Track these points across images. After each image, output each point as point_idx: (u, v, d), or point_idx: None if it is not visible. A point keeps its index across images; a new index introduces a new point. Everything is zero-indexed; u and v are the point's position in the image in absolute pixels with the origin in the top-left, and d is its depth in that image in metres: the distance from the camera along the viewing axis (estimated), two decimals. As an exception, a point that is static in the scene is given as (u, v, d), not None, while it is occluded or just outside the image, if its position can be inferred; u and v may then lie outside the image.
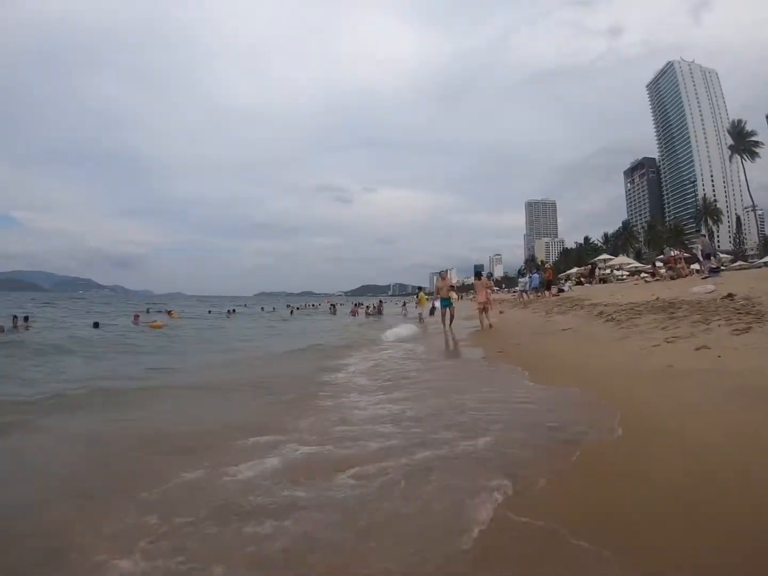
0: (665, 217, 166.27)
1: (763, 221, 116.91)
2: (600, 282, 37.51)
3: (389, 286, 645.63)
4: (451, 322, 16.95)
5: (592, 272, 43.06)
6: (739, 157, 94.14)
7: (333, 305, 52.29)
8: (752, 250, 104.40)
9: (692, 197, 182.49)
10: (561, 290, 30.83)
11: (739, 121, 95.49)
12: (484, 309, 17.37)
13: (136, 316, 26.22)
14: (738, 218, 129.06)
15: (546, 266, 35.46)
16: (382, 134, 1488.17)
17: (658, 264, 32.35)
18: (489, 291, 18.86)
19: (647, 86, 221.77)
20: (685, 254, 31.76)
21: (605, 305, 15.69)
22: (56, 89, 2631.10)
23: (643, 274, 42.19)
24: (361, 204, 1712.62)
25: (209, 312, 43.18)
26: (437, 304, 18.48)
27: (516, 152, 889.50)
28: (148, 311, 37.45)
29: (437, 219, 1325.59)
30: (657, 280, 25.21)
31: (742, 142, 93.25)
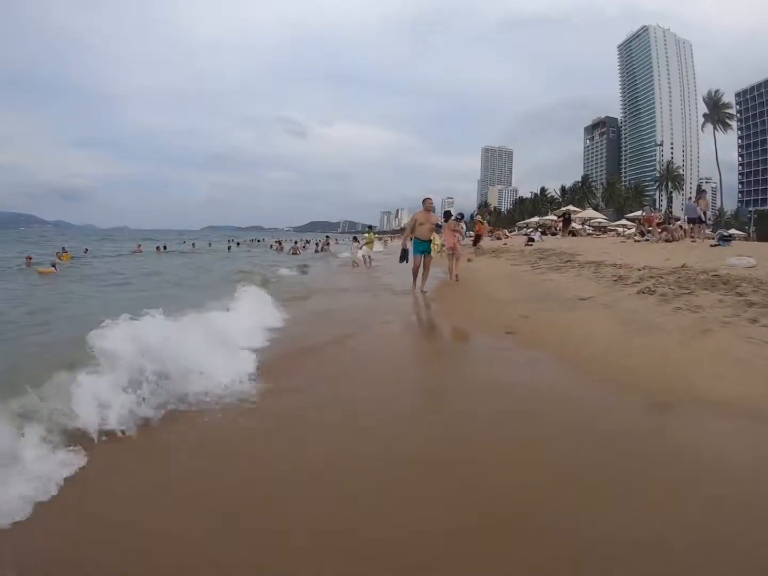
0: (622, 177, 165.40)
1: (715, 194, 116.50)
2: (569, 235, 34.12)
3: (339, 223, 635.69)
4: (424, 280, 11.57)
5: (566, 223, 37.56)
6: (711, 127, 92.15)
7: (279, 242, 46.43)
8: (709, 220, 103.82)
9: (651, 161, 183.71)
10: (531, 240, 27.49)
11: (716, 91, 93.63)
12: (453, 254, 14.69)
13: (29, 258, 23.50)
14: (699, 187, 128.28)
15: (477, 219, 30.90)
16: (343, 69, 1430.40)
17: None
18: (458, 236, 15.66)
19: (619, 47, 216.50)
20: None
21: (613, 266, 12.43)
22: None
23: (626, 231, 39.56)
24: (317, 138, 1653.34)
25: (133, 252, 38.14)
26: (409, 247, 11.51)
27: (479, 98, 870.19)
28: (64, 249, 32.32)
29: (393, 158, 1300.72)
30: (646, 240, 22.05)
31: (717, 112, 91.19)
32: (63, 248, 32.83)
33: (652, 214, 27.67)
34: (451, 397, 4.71)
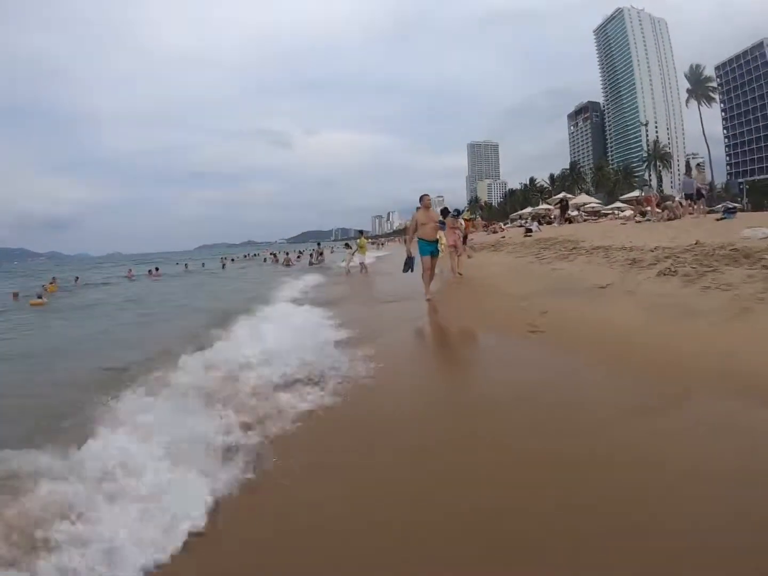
0: (609, 161, 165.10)
1: (704, 169, 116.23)
2: (566, 222, 33.41)
3: (332, 231, 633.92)
4: (429, 281, 10.36)
5: (564, 210, 36.22)
6: (696, 102, 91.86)
7: (274, 254, 46.57)
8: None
9: (636, 142, 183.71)
10: (529, 231, 26.91)
11: (698, 65, 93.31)
12: (454, 252, 14.64)
13: (15, 294, 22.19)
14: (687, 163, 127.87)
15: (462, 218, 29.59)
16: (322, 74, 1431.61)
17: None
18: (458, 232, 15.25)
19: (594, 31, 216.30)
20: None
21: (623, 249, 11.81)
22: None
23: (621, 214, 39.10)
24: (302, 147, 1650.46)
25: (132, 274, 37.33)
26: (414, 252, 10.66)
27: (460, 94, 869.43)
28: (54, 279, 31.57)
29: (379, 160, 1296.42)
30: (647, 220, 21.54)
31: (700, 87, 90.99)
32: (53, 278, 32.25)
33: (651, 194, 27.17)
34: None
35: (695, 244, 10.34)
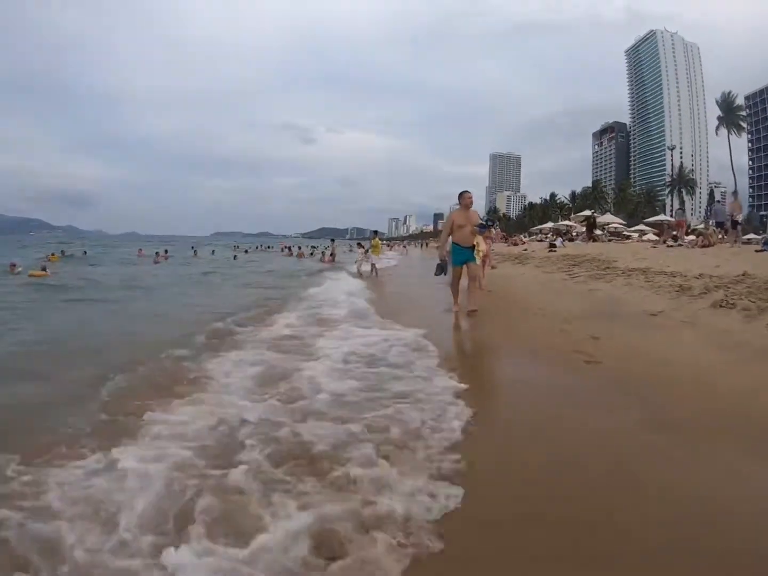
0: (632, 182, 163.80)
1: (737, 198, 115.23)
2: (591, 240, 32.68)
3: (347, 229, 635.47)
4: (472, 295, 8.74)
5: (591, 227, 34.89)
6: (726, 130, 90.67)
7: (289, 247, 46.34)
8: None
9: (660, 166, 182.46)
10: (553, 245, 26.28)
11: (730, 93, 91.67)
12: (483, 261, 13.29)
13: (12, 266, 20.85)
14: (711, 191, 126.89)
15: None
16: (350, 73, 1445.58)
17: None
18: (490, 242, 14.58)
19: (626, 51, 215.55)
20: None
21: (663, 273, 11.08)
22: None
23: (650, 236, 38.44)
24: (325, 144, 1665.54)
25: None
26: (447, 257, 9.10)
27: (484, 103, 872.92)
28: (63, 253, 31.95)
29: (399, 163, 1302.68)
30: (679, 245, 20.93)
31: (731, 115, 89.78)
32: (62, 251, 31.98)
33: (683, 218, 26.59)
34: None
35: (743, 275, 9.66)
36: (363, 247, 22.92)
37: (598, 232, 40.18)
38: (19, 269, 19.77)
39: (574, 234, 38.52)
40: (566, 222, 53.57)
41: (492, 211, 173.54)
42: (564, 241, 30.82)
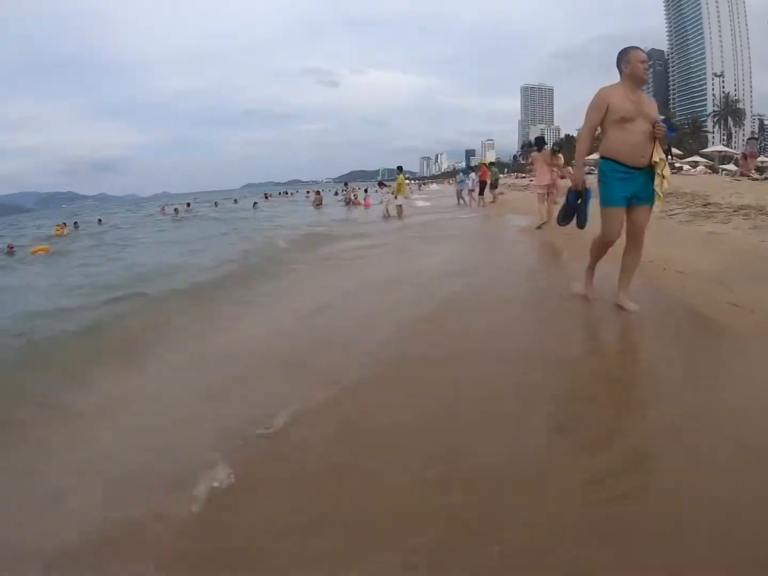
0: (672, 112, 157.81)
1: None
2: None
3: (378, 171, 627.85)
4: (627, 276, 4.73)
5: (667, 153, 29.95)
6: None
7: (318, 192, 37.64)
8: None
9: (701, 95, 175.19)
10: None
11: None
12: (547, 195, 12.04)
13: (10, 246, 19.48)
14: (761, 122, 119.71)
15: (482, 162, 25.77)
16: (371, 12, 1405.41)
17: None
18: (557, 171, 12.28)
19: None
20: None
21: None
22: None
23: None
24: (350, 87, 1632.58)
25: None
26: (588, 184, 4.88)
27: (512, 33, 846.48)
28: (75, 225, 30.12)
29: (428, 101, 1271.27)
30: (765, 178, 18.66)
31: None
32: (75, 222, 30.55)
33: (755, 149, 23.85)
34: None
35: None
36: (385, 186, 22.23)
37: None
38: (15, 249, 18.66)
39: None
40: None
41: (526, 145, 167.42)
42: None
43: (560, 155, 12.63)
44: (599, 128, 4.45)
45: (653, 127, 4.22)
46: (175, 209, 32.75)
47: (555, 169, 12.18)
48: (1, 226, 51.13)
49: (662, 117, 4.53)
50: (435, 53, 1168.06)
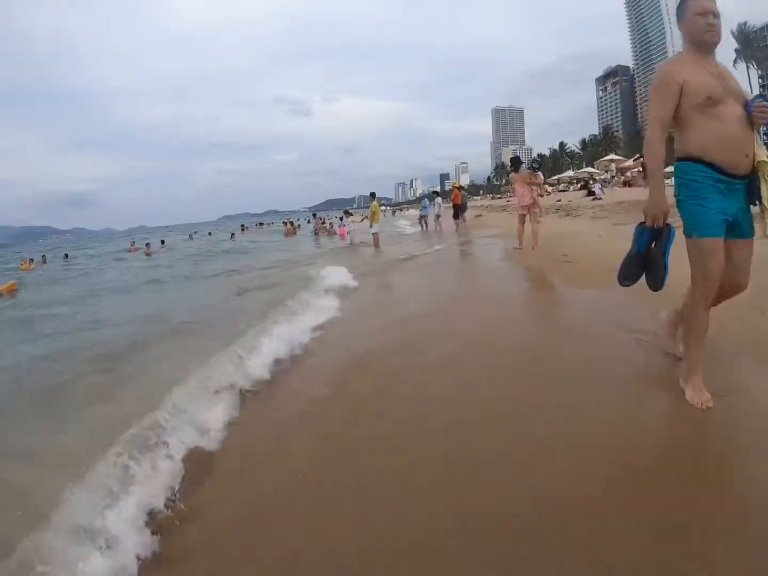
0: (637, 127, 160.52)
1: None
2: (625, 185, 30.19)
3: (354, 198, 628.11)
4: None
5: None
6: (744, 63, 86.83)
7: (291, 222, 37.19)
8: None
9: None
10: (591, 192, 24.24)
11: (746, 23, 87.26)
12: (530, 214, 11.31)
13: None
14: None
15: (453, 185, 24.62)
16: (341, 41, 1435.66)
17: None
18: (537, 190, 11.81)
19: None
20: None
21: None
22: None
23: None
24: (322, 116, 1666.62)
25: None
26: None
27: (481, 56, 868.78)
28: (44, 258, 29.86)
29: (401, 127, 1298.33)
30: None
31: (749, 47, 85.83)
32: (43, 256, 30.31)
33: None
34: None
35: None
36: (350, 215, 21.83)
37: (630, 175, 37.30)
38: None
39: (627, 176, 34.86)
40: (588, 169, 51.23)
41: (499, 167, 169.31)
42: (602, 187, 28.18)
43: (539, 173, 12.16)
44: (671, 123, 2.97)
45: (746, 109, 2.83)
46: (147, 244, 31.06)
47: (535, 187, 11.65)
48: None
49: (757, 94, 3.22)
50: (406, 79, 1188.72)
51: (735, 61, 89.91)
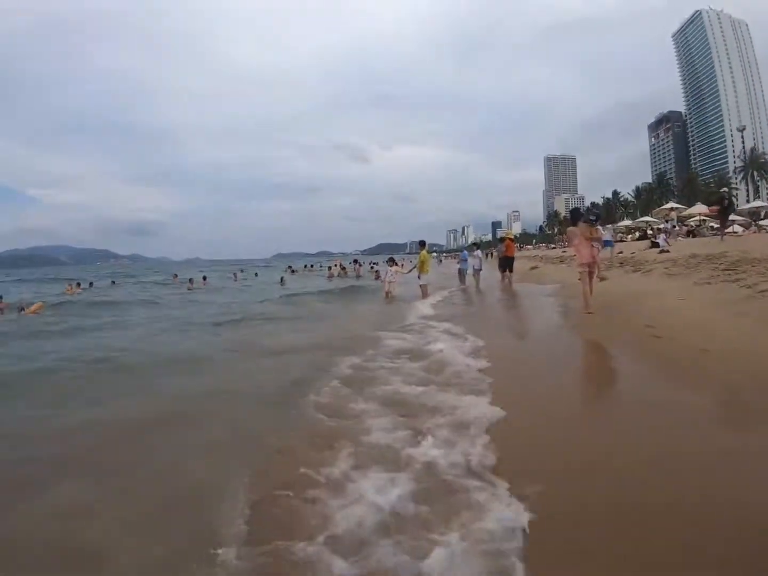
0: (691, 174, 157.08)
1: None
2: (689, 235, 29.20)
3: (406, 244, 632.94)
4: None
5: (724, 212, 24.22)
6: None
7: (343, 266, 37.72)
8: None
9: (722, 152, 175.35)
10: (655, 244, 23.58)
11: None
12: (589, 273, 10.56)
13: None
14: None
15: (507, 235, 23.05)
16: (397, 91, 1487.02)
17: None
18: (598, 246, 11.07)
19: (673, 36, 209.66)
20: None
21: None
22: (60, 64, 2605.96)
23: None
24: (378, 162, 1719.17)
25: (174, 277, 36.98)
26: None
27: (533, 108, 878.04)
28: (90, 284, 30.91)
29: (454, 176, 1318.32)
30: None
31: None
32: (90, 282, 31.20)
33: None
34: None
35: None
36: (396, 264, 19.12)
37: (706, 224, 34.85)
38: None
39: (683, 226, 33.73)
40: (645, 218, 50.13)
41: (552, 216, 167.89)
42: (667, 238, 26.11)
43: (599, 227, 11.35)
44: None
45: None
46: (190, 279, 31.94)
47: (595, 243, 10.85)
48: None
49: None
50: (459, 128, 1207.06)
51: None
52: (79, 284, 28.01)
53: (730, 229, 21.08)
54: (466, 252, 23.47)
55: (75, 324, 13.97)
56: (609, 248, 24.47)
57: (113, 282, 33.90)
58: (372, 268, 36.52)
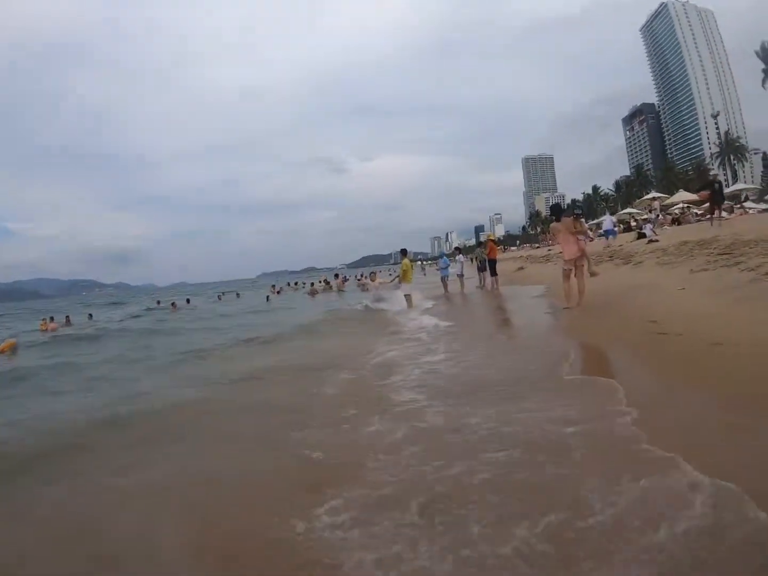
0: (668, 163, 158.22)
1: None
2: (674, 223, 28.89)
3: (390, 254, 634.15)
4: None
5: (715, 198, 20.96)
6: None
7: (327, 281, 37.57)
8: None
9: (696, 140, 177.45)
10: (642, 234, 23.31)
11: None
12: (574, 269, 10.23)
13: None
14: (765, 154, 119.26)
15: (489, 237, 22.91)
16: (375, 100, 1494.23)
17: None
18: (583, 239, 10.73)
19: (641, 29, 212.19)
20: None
21: None
22: (30, 95, 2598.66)
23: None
24: (358, 173, 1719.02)
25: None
26: None
27: (511, 109, 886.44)
28: (67, 319, 27.87)
29: (436, 183, 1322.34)
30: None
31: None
32: (66, 317, 28.18)
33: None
34: None
35: None
36: (375, 277, 19.66)
37: (690, 210, 34.48)
38: None
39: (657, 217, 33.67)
40: (628, 210, 50.11)
41: (534, 216, 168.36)
42: (653, 228, 26.24)
43: (582, 220, 10.85)
44: None
45: None
46: (172, 303, 32.05)
47: (581, 236, 10.51)
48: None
49: None
50: (437, 134, 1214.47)
51: (764, 81, 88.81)
52: (52, 318, 25.78)
53: (716, 214, 20.61)
54: (446, 258, 22.85)
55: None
56: (612, 237, 24.52)
57: (90, 315, 31.92)
58: (359, 279, 36.85)
